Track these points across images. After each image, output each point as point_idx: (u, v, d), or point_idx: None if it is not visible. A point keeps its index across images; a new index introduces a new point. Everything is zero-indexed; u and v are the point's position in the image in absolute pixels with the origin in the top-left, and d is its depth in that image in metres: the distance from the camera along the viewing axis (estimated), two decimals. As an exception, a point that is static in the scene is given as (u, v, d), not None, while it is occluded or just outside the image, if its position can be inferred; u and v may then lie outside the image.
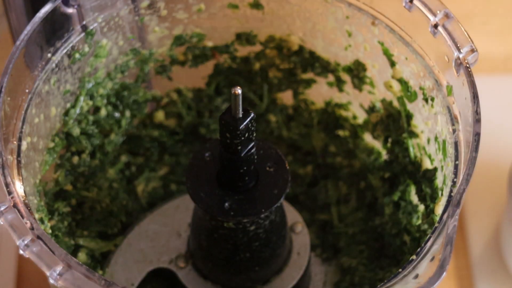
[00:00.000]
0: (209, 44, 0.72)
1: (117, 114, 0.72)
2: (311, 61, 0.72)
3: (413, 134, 0.68)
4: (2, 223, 0.53)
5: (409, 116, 0.67)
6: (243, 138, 0.58)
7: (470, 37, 0.59)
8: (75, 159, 0.70)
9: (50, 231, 0.64)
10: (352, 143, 0.74)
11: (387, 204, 0.71)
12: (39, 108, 0.62)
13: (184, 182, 0.63)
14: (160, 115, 0.75)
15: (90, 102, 0.69)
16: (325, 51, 0.71)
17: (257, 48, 0.72)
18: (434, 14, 0.60)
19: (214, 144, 0.63)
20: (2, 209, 0.53)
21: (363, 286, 0.70)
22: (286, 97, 0.76)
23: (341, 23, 0.67)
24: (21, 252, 0.52)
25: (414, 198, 0.69)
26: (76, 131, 0.68)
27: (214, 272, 0.68)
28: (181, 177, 0.76)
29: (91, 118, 0.70)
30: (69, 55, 0.64)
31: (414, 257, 0.54)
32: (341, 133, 0.75)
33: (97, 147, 0.71)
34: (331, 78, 0.72)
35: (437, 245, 0.53)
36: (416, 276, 0.53)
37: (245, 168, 0.60)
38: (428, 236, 0.55)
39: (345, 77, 0.71)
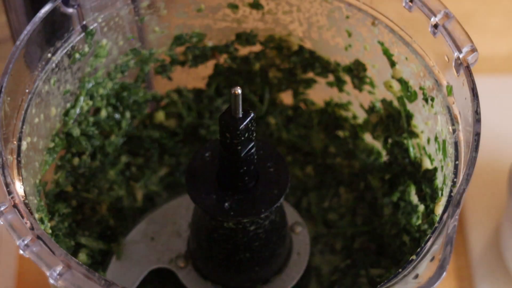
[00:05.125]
0: (209, 44, 0.72)
1: (117, 115, 0.72)
2: (311, 61, 0.72)
3: (413, 134, 0.68)
4: (2, 223, 0.53)
5: (409, 116, 0.67)
6: (243, 138, 0.58)
7: (470, 37, 0.59)
8: (76, 160, 0.70)
9: (50, 231, 0.64)
10: (352, 144, 0.74)
11: (386, 204, 0.71)
12: (39, 108, 0.62)
13: (184, 182, 0.63)
14: (160, 116, 0.75)
15: (90, 102, 0.69)
16: (325, 51, 0.71)
17: (257, 48, 0.72)
18: (434, 14, 0.60)
19: (214, 144, 0.63)
20: (2, 209, 0.53)
21: (363, 286, 0.70)
22: (286, 98, 0.76)
23: (341, 23, 0.67)
24: (21, 252, 0.52)
25: (414, 199, 0.69)
26: (76, 131, 0.68)
27: (214, 272, 0.68)
28: (181, 177, 0.76)
29: (91, 119, 0.70)
30: (69, 55, 0.64)
31: (414, 257, 0.54)
32: (341, 133, 0.75)
33: (98, 148, 0.71)
34: (331, 78, 0.72)
35: (437, 245, 0.53)
36: (416, 276, 0.53)
37: (245, 168, 0.60)
38: (428, 236, 0.54)
39: (345, 77, 0.71)
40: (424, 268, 0.53)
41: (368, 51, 0.68)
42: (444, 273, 0.52)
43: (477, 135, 0.56)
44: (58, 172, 0.68)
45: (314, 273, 0.73)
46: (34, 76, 0.61)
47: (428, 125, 0.65)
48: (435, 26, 0.60)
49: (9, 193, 0.54)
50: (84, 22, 0.64)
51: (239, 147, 0.59)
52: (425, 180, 0.66)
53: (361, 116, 0.73)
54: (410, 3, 0.61)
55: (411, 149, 0.68)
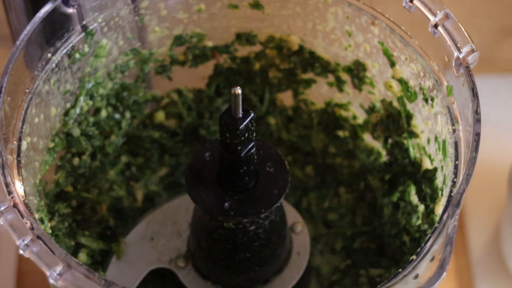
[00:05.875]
0: (209, 44, 0.72)
1: (117, 116, 0.72)
2: (311, 61, 0.72)
3: (413, 134, 0.68)
4: (2, 223, 0.53)
5: (409, 116, 0.67)
6: (243, 138, 0.58)
7: (470, 37, 0.59)
8: (76, 160, 0.70)
9: (50, 231, 0.64)
10: (352, 144, 0.74)
11: (386, 204, 0.71)
12: (39, 108, 0.62)
13: (184, 182, 0.63)
14: (160, 116, 0.75)
15: (90, 102, 0.69)
16: (325, 51, 0.71)
17: (257, 48, 0.72)
18: (434, 14, 0.60)
19: (214, 144, 0.63)
20: (2, 209, 0.53)
21: (363, 286, 0.70)
22: (286, 98, 0.76)
23: (341, 23, 0.67)
24: (21, 252, 0.52)
25: (414, 199, 0.69)
26: (76, 131, 0.68)
27: (214, 272, 0.68)
28: (181, 177, 0.76)
29: (91, 119, 0.70)
30: (69, 55, 0.64)
31: (414, 257, 0.54)
32: (341, 133, 0.75)
33: (98, 148, 0.71)
34: (331, 78, 0.72)
35: (437, 245, 0.53)
36: (416, 276, 0.53)
37: (245, 168, 0.60)
38: (428, 236, 0.55)
39: (345, 77, 0.71)
40: (424, 268, 0.53)
41: (368, 51, 0.68)
42: (444, 273, 0.52)
43: (477, 135, 0.56)
44: (58, 172, 0.68)
45: (314, 273, 0.73)
46: (34, 76, 0.61)
47: (428, 125, 0.65)
48: (435, 26, 0.60)
49: (9, 193, 0.54)
50: (84, 22, 0.64)
51: (239, 147, 0.59)
52: (425, 180, 0.66)
53: (361, 116, 0.73)
54: (410, 3, 0.61)
55: (411, 149, 0.68)
